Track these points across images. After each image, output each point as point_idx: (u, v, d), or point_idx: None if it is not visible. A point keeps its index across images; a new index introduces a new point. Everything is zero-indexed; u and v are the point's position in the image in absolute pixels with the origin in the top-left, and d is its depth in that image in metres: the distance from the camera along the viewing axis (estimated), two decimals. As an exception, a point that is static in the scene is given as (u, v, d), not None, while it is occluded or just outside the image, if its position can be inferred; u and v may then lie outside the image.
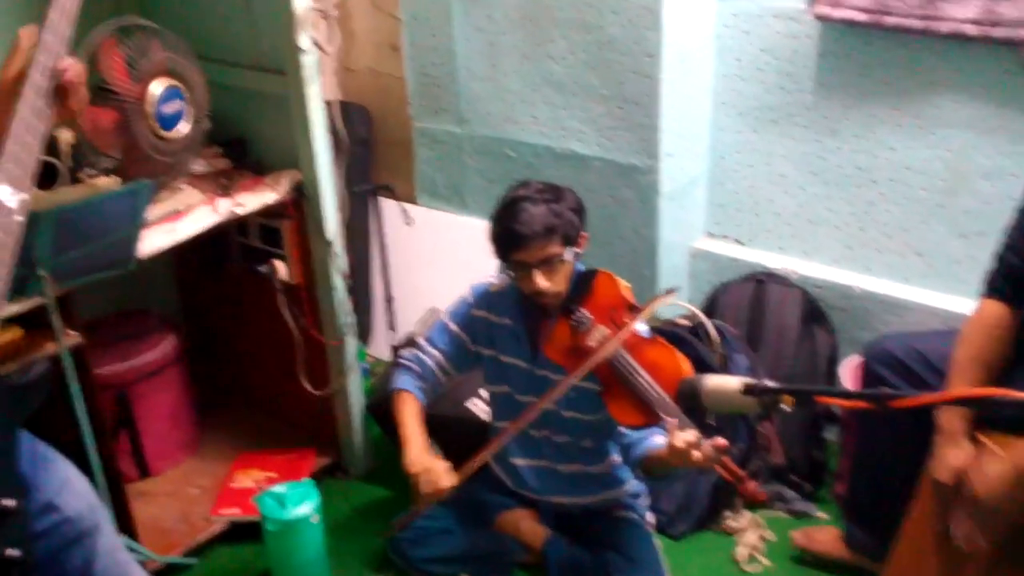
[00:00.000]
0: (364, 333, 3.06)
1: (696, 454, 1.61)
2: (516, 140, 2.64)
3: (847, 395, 1.60)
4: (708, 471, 1.79)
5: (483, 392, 2.29)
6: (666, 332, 2.24)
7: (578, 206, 1.90)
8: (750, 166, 2.47)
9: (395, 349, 2.80)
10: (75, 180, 2.14)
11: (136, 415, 2.62)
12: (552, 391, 1.86)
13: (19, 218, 1.27)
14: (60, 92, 1.40)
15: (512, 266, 1.89)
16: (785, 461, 2.36)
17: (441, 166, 2.88)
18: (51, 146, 2.08)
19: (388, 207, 2.93)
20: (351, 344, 2.62)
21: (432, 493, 1.89)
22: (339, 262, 2.52)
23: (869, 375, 1.97)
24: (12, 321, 1.96)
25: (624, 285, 1.87)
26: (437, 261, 2.93)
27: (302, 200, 2.48)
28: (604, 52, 2.36)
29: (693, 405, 1.51)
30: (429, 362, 2.09)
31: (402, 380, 2.09)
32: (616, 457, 2.02)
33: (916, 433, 1.74)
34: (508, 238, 1.86)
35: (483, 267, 2.67)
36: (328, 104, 2.44)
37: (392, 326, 2.91)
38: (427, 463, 1.92)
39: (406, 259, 2.98)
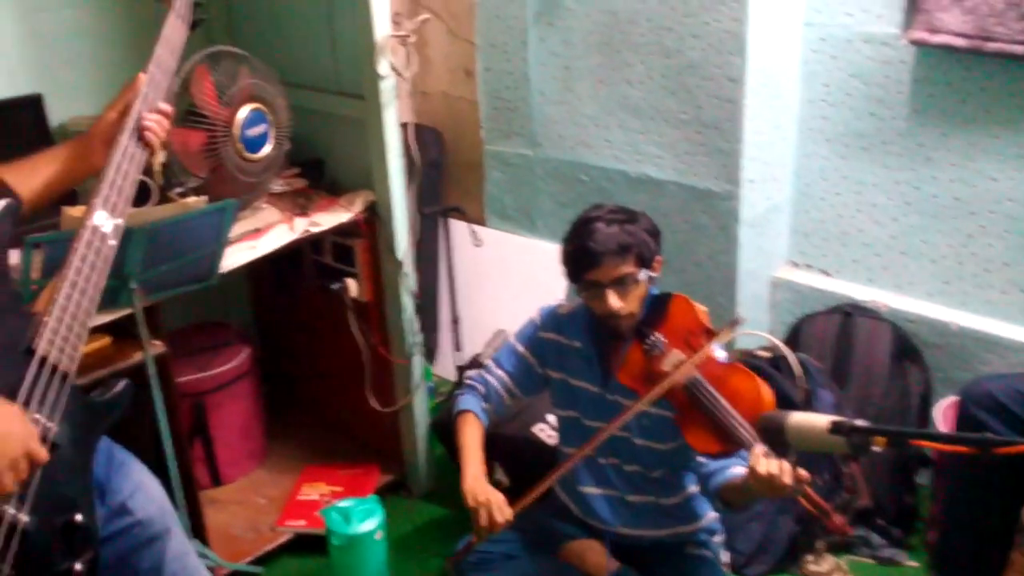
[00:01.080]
0: (430, 353, 3.08)
1: (780, 482, 1.57)
2: (589, 164, 2.65)
3: (947, 439, 1.52)
4: (791, 503, 1.74)
5: (550, 417, 2.28)
6: (745, 364, 2.20)
7: (653, 228, 1.89)
8: (837, 194, 2.43)
9: (460, 370, 2.82)
10: (165, 199, 2.21)
11: (210, 424, 2.69)
12: (621, 415, 1.84)
13: (113, 242, 1.33)
14: (141, 141, 1.48)
15: (584, 286, 1.87)
16: (872, 504, 2.27)
17: (512, 188, 2.89)
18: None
19: (457, 228, 2.95)
20: (418, 363, 2.64)
21: (487, 528, 1.86)
22: (408, 281, 2.56)
23: (966, 417, 1.89)
24: (101, 330, 2.04)
25: (701, 309, 1.84)
26: (505, 283, 2.94)
27: (375, 220, 2.53)
28: (684, 77, 2.36)
29: (776, 441, 1.48)
30: (495, 383, 2.08)
31: (466, 400, 2.09)
32: (693, 489, 1.98)
33: (1014, 480, 1.67)
34: (581, 257, 1.84)
35: (551, 290, 2.68)
36: (403, 127, 2.50)
37: (458, 347, 2.92)
38: (482, 497, 1.88)
39: (474, 280, 2.99)
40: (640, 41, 2.41)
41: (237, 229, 2.25)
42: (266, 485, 2.76)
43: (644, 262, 1.84)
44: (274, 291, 3.05)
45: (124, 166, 1.38)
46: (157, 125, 1.48)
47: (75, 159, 1.50)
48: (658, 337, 1.83)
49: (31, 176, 1.46)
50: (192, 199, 2.17)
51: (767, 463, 1.58)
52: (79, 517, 1.29)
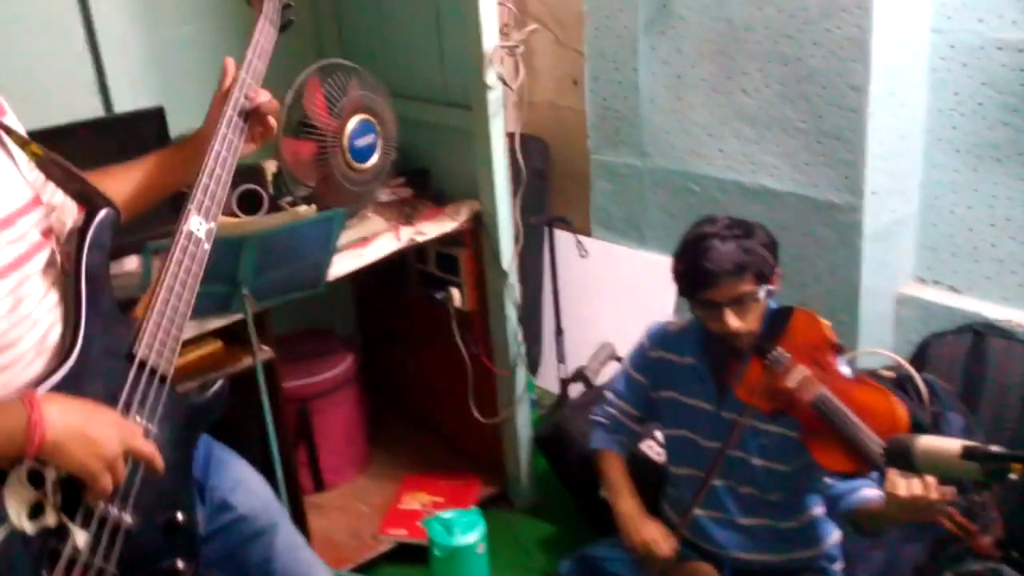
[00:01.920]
0: (534, 364, 3.06)
1: (924, 503, 1.47)
2: (701, 174, 2.58)
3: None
4: (922, 529, 1.63)
5: (658, 434, 2.22)
6: (871, 383, 2.10)
7: (770, 241, 1.81)
8: (968, 207, 2.29)
9: (564, 383, 2.78)
10: (276, 207, 2.26)
11: (315, 429, 2.73)
12: (738, 427, 1.76)
13: (207, 247, 1.34)
14: (251, 118, 1.49)
15: (699, 305, 1.81)
16: (1005, 535, 2.14)
17: (619, 199, 2.85)
18: (258, 175, 2.21)
19: (563, 239, 2.92)
20: (521, 374, 2.63)
21: (657, 565, 1.83)
22: (513, 292, 2.55)
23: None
24: (213, 334, 2.09)
25: (825, 324, 1.75)
26: (611, 295, 2.90)
27: (480, 230, 2.54)
28: (803, 85, 2.27)
29: (903, 465, 1.40)
30: (617, 414, 2.05)
31: (597, 439, 2.06)
32: (813, 513, 1.89)
33: None
34: (695, 276, 1.77)
35: (659, 302, 2.62)
36: (508, 137, 2.49)
37: (562, 359, 2.89)
38: (645, 535, 1.85)
39: (579, 292, 2.96)
40: (757, 49, 2.34)
41: (344, 238, 2.28)
42: (368, 492, 2.79)
43: (762, 278, 1.76)
44: (378, 299, 3.09)
45: (218, 171, 1.39)
46: (263, 98, 1.49)
47: (175, 163, 1.52)
48: (780, 352, 1.74)
49: (130, 181, 1.48)
50: (302, 208, 2.21)
51: (908, 484, 1.48)
52: (180, 516, 1.30)
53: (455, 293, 2.61)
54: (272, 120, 1.52)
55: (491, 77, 2.36)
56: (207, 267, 1.35)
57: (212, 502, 1.47)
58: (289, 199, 2.32)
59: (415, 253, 2.66)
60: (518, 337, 2.59)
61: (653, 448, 2.30)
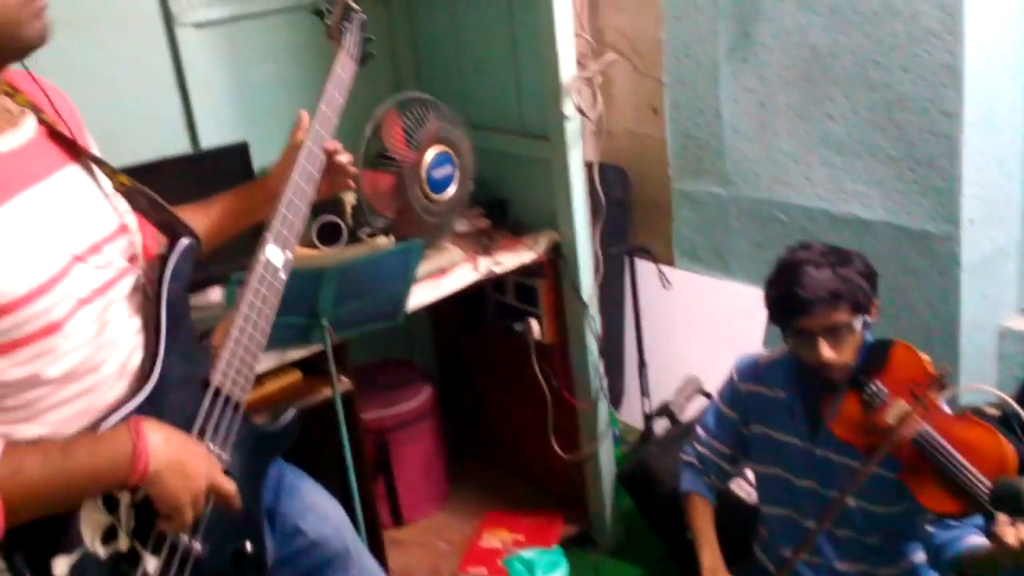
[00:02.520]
0: (616, 398, 3.02)
1: None
2: (788, 203, 2.52)
3: None
4: None
5: (750, 473, 2.15)
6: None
7: (868, 270, 1.75)
8: (1074, 236, 2.20)
9: (648, 417, 2.73)
10: (355, 239, 2.28)
11: (393, 462, 2.73)
12: (856, 478, 1.69)
13: (283, 276, 1.37)
14: (329, 169, 1.54)
15: (793, 334, 1.75)
16: None
17: (702, 228, 2.81)
18: (337, 207, 2.25)
19: (644, 269, 2.88)
20: (603, 408, 2.59)
21: None
22: (593, 323, 2.52)
23: None
24: (293, 365, 2.11)
25: (925, 358, 1.68)
26: (696, 326, 2.84)
27: (559, 260, 2.52)
28: (892, 111, 2.21)
29: (1013, 509, 1.32)
30: (707, 452, 2.00)
31: (688, 481, 2.01)
32: (915, 559, 1.79)
33: None
34: (788, 304, 1.72)
35: (747, 334, 2.56)
36: (587, 166, 2.48)
37: (645, 392, 2.84)
38: None
39: (662, 323, 2.91)
40: (843, 75, 2.29)
41: (422, 269, 2.29)
42: (447, 528, 2.77)
43: (859, 308, 1.70)
44: (456, 331, 3.09)
45: (295, 202, 1.42)
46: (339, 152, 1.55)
47: (251, 200, 1.57)
48: (879, 386, 1.67)
49: (208, 216, 1.53)
50: (381, 239, 2.23)
51: (1018, 530, 1.40)
52: (249, 546, 1.32)
53: (534, 324, 2.59)
54: (348, 170, 1.58)
55: (568, 107, 2.36)
56: (287, 298, 1.38)
57: (283, 528, 1.49)
58: (368, 230, 2.35)
59: (493, 284, 2.65)
60: (599, 370, 2.55)
61: (743, 487, 2.23)
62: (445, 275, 2.37)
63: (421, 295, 2.27)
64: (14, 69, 1.23)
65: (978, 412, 2.08)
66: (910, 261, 2.26)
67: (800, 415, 1.83)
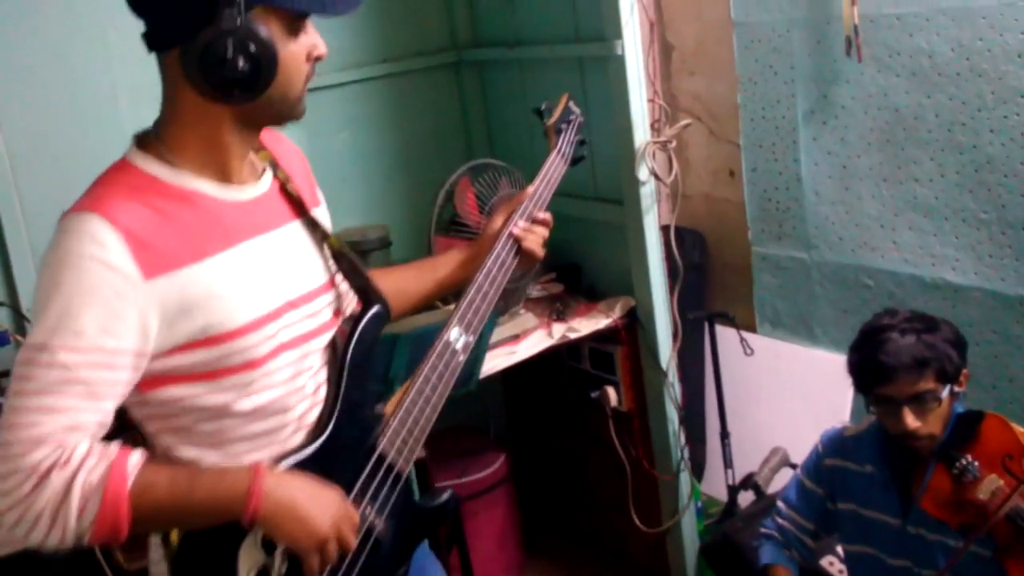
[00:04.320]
0: (698, 469, 2.97)
1: None
2: (874, 267, 2.49)
3: None
4: None
5: (840, 549, 2.10)
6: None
7: (957, 339, 1.73)
8: None
9: (732, 489, 2.68)
10: (429, 305, 2.32)
11: (467, 532, 2.70)
12: (952, 560, 1.64)
13: (461, 358, 1.45)
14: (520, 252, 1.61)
15: (876, 401, 1.73)
16: None
17: (785, 294, 2.78)
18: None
19: (725, 335, 2.86)
20: (685, 480, 2.58)
21: None
22: (673, 391, 2.53)
23: None
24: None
25: (1020, 430, 1.64)
26: (780, 395, 2.79)
27: (635, 326, 2.54)
28: (982, 173, 2.19)
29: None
30: (789, 527, 1.97)
31: (767, 553, 1.98)
32: None
33: None
34: (872, 370, 1.71)
35: (834, 404, 2.51)
36: (663, 230, 2.49)
37: (729, 464, 2.79)
38: None
39: (744, 392, 2.87)
40: (928, 137, 2.28)
41: (496, 335, 2.34)
42: (523, 601, 2.77)
43: (946, 377, 1.68)
44: (530, 398, 3.10)
45: (486, 288, 1.50)
46: (531, 233, 1.60)
47: (455, 268, 1.64)
48: (969, 460, 1.64)
49: (405, 283, 1.63)
50: (453, 305, 2.26)
51: None
52: None
53: (611, 392, 2.60)
54: (539, 251, 1.62)
55: (643, 172, 2.40)
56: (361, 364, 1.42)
57: None
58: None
59: (568, 350, 2.67)
60: (680, 439, 2.54)
61: (835, 565, 2.18)
62: (519, 342, 2.41)
63: (495, 361, 2.31)
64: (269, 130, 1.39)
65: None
66: (1006, 328, 2.21)
67: (891, 491, 1.79)
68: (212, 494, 1.22)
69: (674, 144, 2.50)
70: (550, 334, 2.45)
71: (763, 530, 2.03)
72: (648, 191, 2.43)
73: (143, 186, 1.23)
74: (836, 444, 1.91)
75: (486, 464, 2.78)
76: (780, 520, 1.98)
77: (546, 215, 1.63)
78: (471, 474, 2.74)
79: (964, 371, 1.73)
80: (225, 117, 1.26)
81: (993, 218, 2.19)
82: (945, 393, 1.68)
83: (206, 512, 1.23)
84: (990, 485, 1.62)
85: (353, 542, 1.29)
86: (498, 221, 1.62)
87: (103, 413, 1.18)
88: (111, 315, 1.15)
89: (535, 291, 2.65)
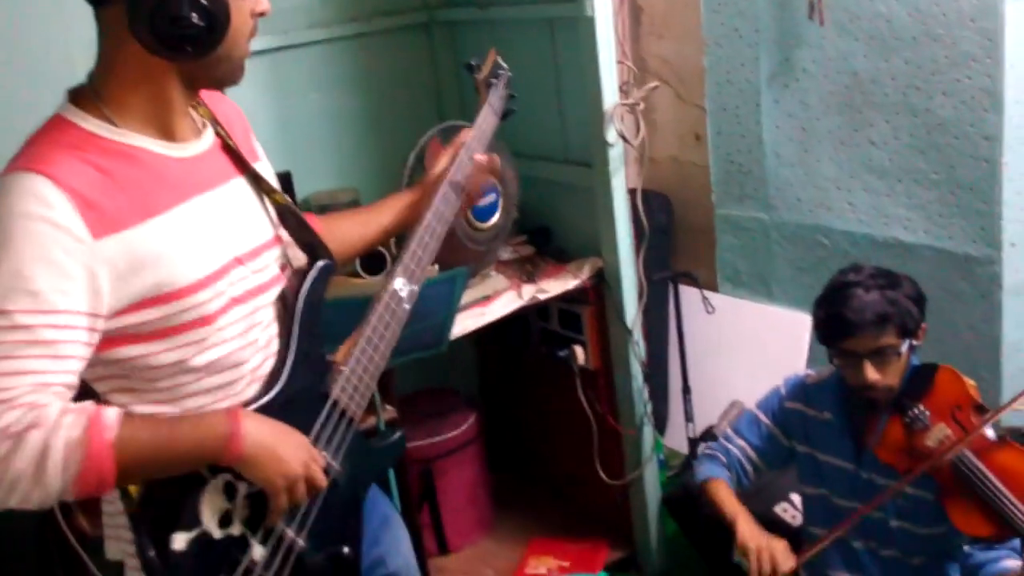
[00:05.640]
0: (660, 424, 3.09)
1: None
2: (830, 227, 2.61)
3: None
4: None
5: (794, 496, 2.23)
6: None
7: (917, 294, 1.84)
8: (1118, 257, 2.26)
9: (692, 442, 2.81)
10: (399, 268, 2.40)
11: (438, 490, 2.82)
12: (880, 496, 1.78)
13: (407, 306, 1.52)
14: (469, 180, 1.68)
15: (839, 354, 1.84)
16: None
17: (745, 254, 2.89)
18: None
19: (688, 295, 2.97)
20: (648, 434, 2.68)
21: (770, 573, 1.83)
22: (637, 349, 2.61)
23: None
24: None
25: (970, 383, 1.77)
26: (739, 352, 2.93)
27: (602, 287, 2.61)
28: (933, 136, 2.30)
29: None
30: (735, 452, 2.07)
31: (708, 469, 2.07)
32: None
33: None
34: (836, 325, 1.82)
35: (789, 359, 2.63)
36: (630, 193, 2.57)
37: (689, 417, 2.92)
38: (765, 540, 1.87)
39: (706, 348, 2.99)
40: (884, 101, 2.38)
41: (467, 297, 2.38)
42: (493, 555, 2.86)
43: (906, 332, 1.79)
44: (501, 358, 3.18)
45: (427, 240, 1.56)
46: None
47: (399, 214, 1.70)
48: (922, 410, 1.76)
49: (350, 231, 1.68)
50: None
51: None
52: (346, 550, 1.46)
53: (578, 351, 2.67)
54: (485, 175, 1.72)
55: (611, 135, 2.45)
56: (332, 326, 1.49)
57: (372, 556, 1.61)
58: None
59: (537, 311, 2.74)
60: (644, 395, 2.64)
61: (788, 511, 2.31)
62: (489, 303, 2.46)
63: (465, 323, 2.37)
64: None
65: (1019, 435, 2.15)
66: (952, 284, 2.34)
67: (846, 437, 1.91)
68: (194, 439, 1.26)
69: (642, 107, 2.56)
70: (520, 295, 2.51)
71: (706, 450, 2.12)
72: (616, 153, 2.48)
73: (83, 144, 1.22)
74: (798, 389, 2.03)
75: (456, 424, 2.85)
76: (726, 444, 2.08)
77: (482, 157, 1.69)
78: (442, 433, 2.81)
79: (923, 326, 1.83)
80: (170, 74, 1.27)
81: (943, 179, 2.31)
82: (904, 347, 1.79)
83: (188, 458, 1.26)
84: (939, 433, 1.75)
85: (323, 481, 1.35)
86: (439, 165, 1.68)
87: (69, 374, 1.18)
88: (63, 275, 1.16)
89: (506, 254, 2.68)
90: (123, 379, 1.30)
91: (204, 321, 1.29)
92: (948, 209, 2.32)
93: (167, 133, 1.31)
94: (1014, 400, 1.72)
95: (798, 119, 2.60)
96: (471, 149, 1.70)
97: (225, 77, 1.33)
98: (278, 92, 2.72)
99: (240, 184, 1.43)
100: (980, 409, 1.75)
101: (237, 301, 1.35)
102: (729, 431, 2.12)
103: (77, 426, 1.15)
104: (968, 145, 2.24)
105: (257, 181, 1.46)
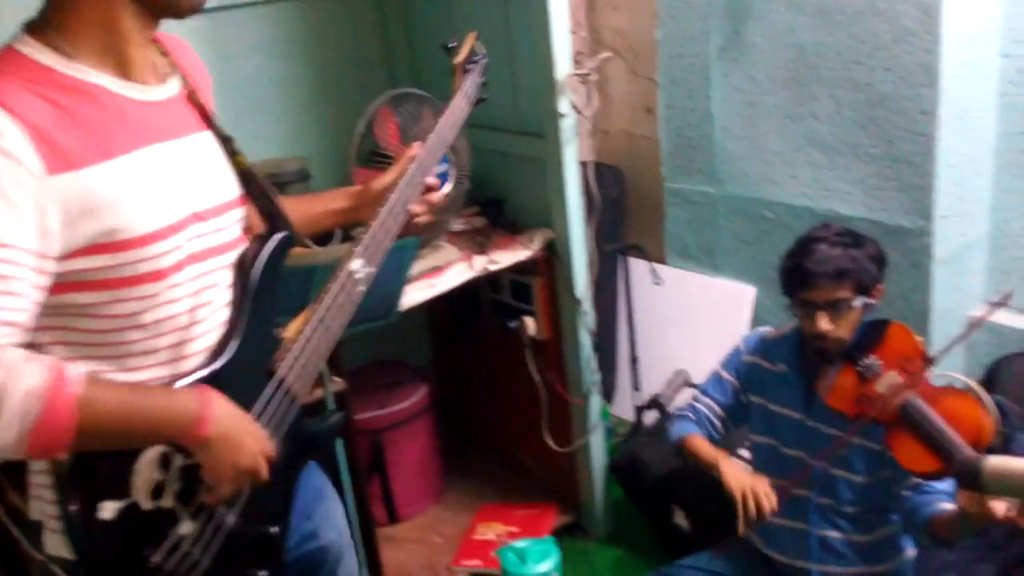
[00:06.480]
0: (608, 392, 3.19)
1: (998, 506, 1.58)
2: (774, 200, 2.70)
3: None
4: (991, 551, 1.71)
5: (743, 452, 2.33)
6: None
7: (878, 255, 1.95)
8: (1039, 230, 2.39)
9: (639, 410, 2.90)
10: (348, 237, 2.42)
11: (388, 461, 2.87)
12: (838, 441, 1.89)
13: (362, 288, 1.51)
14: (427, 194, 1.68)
15: (797, 304, 1.96)
16: None
17: (693, 226, 2.98)
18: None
19: (637, 266, 3.05)
20: (595, 402, 2.75)
21: (757, 513, 1.94)
22: (587, 320, 2.66)
23: None
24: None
25: (919, 339, 1.90)
26: (685, 322, 3.02)
27: (553, 258, 2.65)
28: (874, 110, 2.40)
29: (971, 485, 1.53)
30: (703, 410, 2.18)
31: (681, 427, 2.18)
32: (888, 528, 2.00)
33: None
34: (797, 275, 1.93)
35: (732, 329, 2.73)
36: (582, 165, 2.60)
37: (636, 386, 3.01)
38: (748, 480, 1.98)
39: (653, 319, 3.07)
40: (828, 75, 2.47)
41: (417, 267, 2.40)
42: (442, 523, 2.92)
43: (863, 289, 1.91)
44: (452, 329, 3.22)
45: (388, 223, 1.56)
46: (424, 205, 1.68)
47: (349, 209, 1.70)
48: (873, 359, 1.88)
49: (306, 212, 1.67)
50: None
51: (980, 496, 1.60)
52: (274, 530, 1.47)
53: (529, 322, 2.72)
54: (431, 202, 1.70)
55: (564, 105, 2.46)
56: (279, 299, 1.47)
57: (305, 529, 1.64)
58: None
59: (489, 282, 2.78)
60: (592, 365, 2.70)
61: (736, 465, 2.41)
62: (440, 274, 2.48)
63: (416, 294, 2.39)
64: (172, 36, 1.40)
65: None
66: (887, 255, 2.45)
67: (797, 388, 2.03)
68: (161, 413, 1.23)
69: (595, 78, 2.56)
70: (471, 267, 2.53)
71: (677, 412, 2.24)
72: (568, 124, 2.49)
73: (38, 78, 1.19)
74: (757, 344, 2.15)
75: (406, 396, 2.88)
76: (696, 403, 2.20)
77: (434, 183, 1.68)
78: (392, 406, 2.84)
79: (879, 286, 1.95)
80: (122, 1, 1.24)
81: (881, 153, 2.41)
82: (859, 303, 1.91)
83: (151, 432, 1.24)
84: (889, 380, 1.86)
85: (266, 475, 1.34)
86: (386, 179, 1.66)
87: (22, 313, 1.14)
88: (11, 208, 1.12)
89: (458, 225, 2.70)
90: (66, 330, 1.26)
91: (157, 275, 1.27)
92: (885, 183, 2.43)
93: (124, 70, 1.27)
94: (957, 340, 1.86)
95: (746, 93, 2.68)
96: (442, 134, 1.70)
97: (182, 4, 1.30)
98: (220, 55, 2.66)
99: (206, 139, 1.40)
100: (928, 361, 1.87)
101: (194, 259, 1.32)
102: (696, 392, 2.23)
103: (39, 375, 1.11)
104: (906, 120, 2.34)
105: (224, 140, 1.43)
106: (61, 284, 1.21)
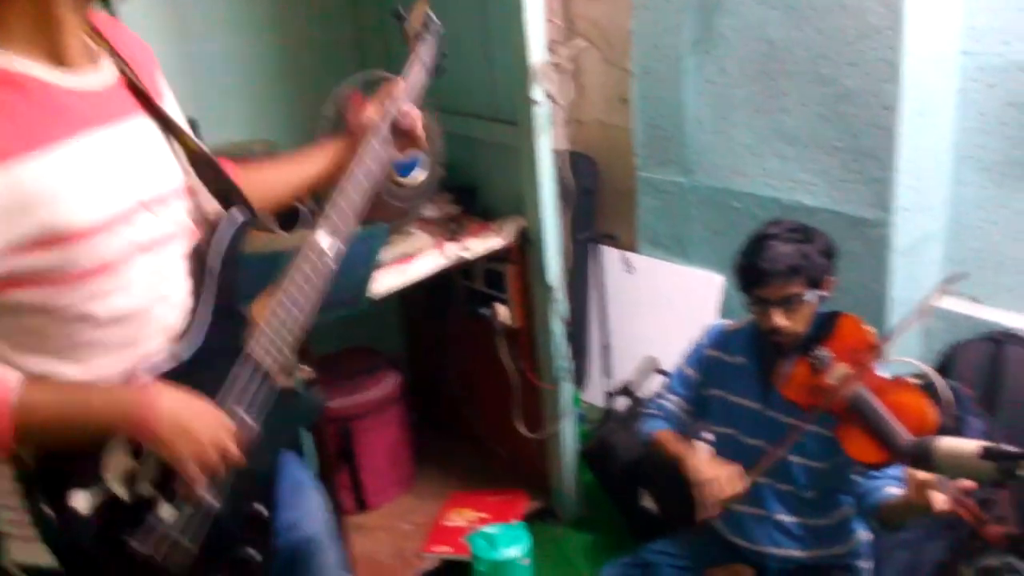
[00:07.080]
0: (580, 379, 3.24)
1: (942, 493, 1.66)
2: (743, 191, 2.78)
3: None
4: (941, 529, 1.77)
5: (705, 435, 2.40)
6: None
7: (829, 249, 2.03)
8: (993, 223, 2.48)
9: (610, 396, 2.96)
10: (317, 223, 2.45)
11: (357, 449, 2.90)
12: (793, 431, 1.97)
13: (330, 262, 1.49)
14: (397, 133, 1.63)
15: (752, 301, 2.04)
16: (1020, 532, 2.29)
17: (664, 216, 3.04)
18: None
19: (609, 255, 3.10)
20: (567, 389, 2.80)
21: (721, 500, 2.01)
22: (559, 308, 2.71)
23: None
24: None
25: (869, 330, 1.98)
26: (656, 310, 3.09)
27: (526, 246, 2.69)
28: (840, 105, 2.48)
29: (925, 466, 1.61)
30: (671, 406, 2.27)
31: (650, 425, 2.27)
32: (844, 512, 2.09)
33: None
34: (750, 273, 2.01)
35: (703, 317, 2.80)
36: (556, 154, 2.64)
37: (608, 373, 3.06)
38: (714, 469, 2.05)
39: (625, 307, 3.13)
40: (796, 69, 2.54)
41: (388, 254, 2.42)
42: (412, 511, 2.94)
43: (814, 283, 1.99)
44: (424, 317, 3.25)
45: (352, 195, 1.52)
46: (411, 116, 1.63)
47: (324, 166, 1.64)
48: (825, 352, 1.95)
49: (273, 182, 1.63)
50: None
51: (925, 479, 1.68)
52: (260, 507, 1.50)
53: (501, 309, 2.76)
54: (420, 135, 1.66)
55: (537, 93, 2.48)
56: (244, 283, 1.46)
57: (287, 520, 1.65)
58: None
59: (461, 270, 2.79)
60: (564, 352, 2.74)
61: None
62: (411, 261, 2.49)
63: (387, 281, 2.40)
64: (105, 16, 1.36)
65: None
66: (847, 245, 2.52)
67: (755, 379, 2.11)
68: (103, 414, 1.24)
69: (570, 66, 2.60)
70: (443, 254, 2.55)
71: (645, 411, 2.32)
72: (542, 112, 2.51)
73: None
74: (718, 337, 2.23)
75: (376, 384, 2.91)
76: (662, 401, 2.28)
77: (414, 110, 1.64)
78: (361, 394, 2.86)
79: (830, 278, 2.04)
80: None
81: (846, 146, 2.49)
82: (811, 297, 1.99)
83: (96, 431, 1.24)
84: (839, 372, 1.94)
85: (234, 450, 1.34)
86: (367, 117, 1.62)
87: None
88: None
89: (430, 211, 2.71)
90: (15, 328, 1.24)
91: (106, 269, 1.25)
92: (849, 175, 2.51)
93: (57, 57, 1.23)
94: (906, 325, 1.95)
95: (717, 85, 2.74)
96: (400, 102, 1.64)
97: None
98: (182, 34, 2.63)
99: (144, 123, 1.35)
100: (877, 352, 1.95)
101: (144, 249, 1.30)
102: (662, 389, 2.31)
103: None
104: (869, 114, 2.41)
105: (166, 124, 1.38)
106: (5, 282, 1.19)
